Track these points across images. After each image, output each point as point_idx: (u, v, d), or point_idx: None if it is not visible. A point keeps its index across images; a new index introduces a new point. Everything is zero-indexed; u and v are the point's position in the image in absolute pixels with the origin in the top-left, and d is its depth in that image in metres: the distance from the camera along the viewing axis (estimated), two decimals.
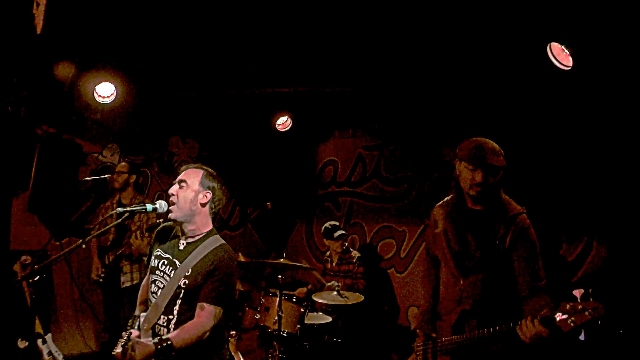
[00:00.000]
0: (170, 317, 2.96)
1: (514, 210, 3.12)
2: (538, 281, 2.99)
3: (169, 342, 2.73)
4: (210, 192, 3.12)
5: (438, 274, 3.46)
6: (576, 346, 3.98)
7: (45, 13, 4.13)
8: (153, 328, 3.00)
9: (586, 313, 2.48)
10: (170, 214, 3.06)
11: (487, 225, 3.12)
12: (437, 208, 3.44)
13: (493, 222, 3.11)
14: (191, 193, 3.07)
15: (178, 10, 4.78)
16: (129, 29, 5.09)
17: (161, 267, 3.10)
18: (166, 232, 3.27)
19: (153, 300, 3.05)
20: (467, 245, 3.18)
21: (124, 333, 2.80)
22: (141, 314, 3.12)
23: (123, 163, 6.40)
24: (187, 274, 2.96)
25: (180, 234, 3.16)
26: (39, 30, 4.30)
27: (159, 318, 3.00)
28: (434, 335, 3.34)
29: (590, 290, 2.53)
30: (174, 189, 3.09)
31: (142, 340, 2.79)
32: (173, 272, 3.02)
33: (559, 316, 2.56)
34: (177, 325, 2.93)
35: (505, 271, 3.06)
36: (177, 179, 3.13)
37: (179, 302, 2.96)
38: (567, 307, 2.54)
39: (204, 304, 2.89)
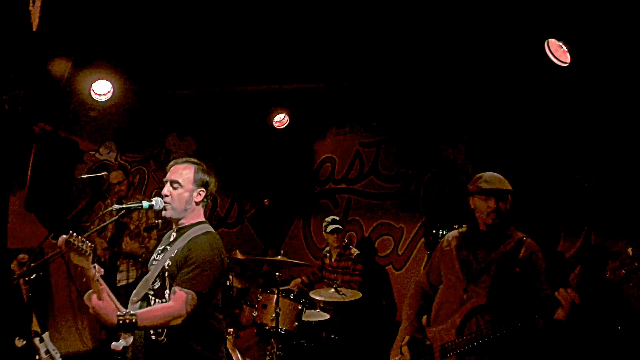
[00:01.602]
0: (164, 300, 2.98)
1: (519, 235, 3.34)
2: (544, 298, 3.09)
3: (133, 319, 2.70)
4: (204, 189, 3.13)
5: (427, 297, 3.61)
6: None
7: (41, 10, 4.11)
8: (142, 300, 3.05)
9: (635, 262, 2.68)
10: (164, 212, 3.10)
11: (496, 242, 3.34)
12: (451, 233, 3.63)
13: (503, 239, 3.33)
14: (185, 193, 3.08)
15: (175, 7, 4.76)
16: (126, 27, 5.07)
17: (156, 257, 3.15)
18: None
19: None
20: (475, 253, 3.37)
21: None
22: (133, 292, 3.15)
23: (115, 173, 6.35)
24: (172, 255, 3.00)
25: (172, 227, 3.22)
26: (35, 27, 4.29)
27: (151, 299, 3.04)
28: (428, 342, 3.39)
29: (629, 248, 2.70)
30: (167, 190, 3.09)
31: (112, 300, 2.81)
32: (163, 255, 3.08)
33: (608, 272, 2.76)
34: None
35: (512, 278, 3.20)
36: (169, 179, 3.12)
37: (167, 284, 2.98)
38: (617, 262, 2.74)
39: (175, 287, 2.86)
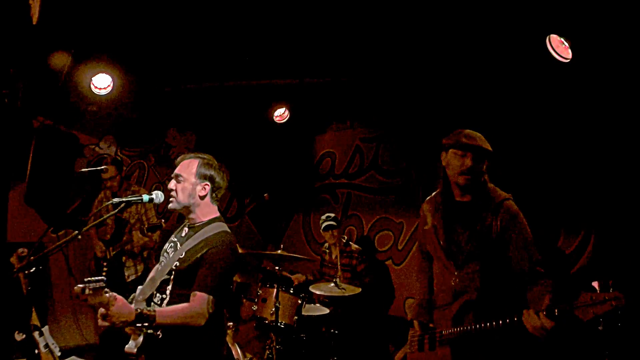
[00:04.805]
0: (164, 296, 3.00)
1: (499, 197, 3.12)
2: (536, 264, 2.98)
3: (152, 314, 2.70)
4: (208, 183, 3.10)
5: (432, 267, 3.48)
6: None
7: (41, 3, 4.10)
8: (147, 301, 3.05)
9: (608, 303, 2.47)
10: (169, 205, 3.10)
11: (475, 217, 3.12)
12: (425, 204, 3.46)
13: (480, 212, 3.11)
14: (189, 186, 3.07)
15: (175, 0, 4.75)
16: (126, 20, 5.06)
17: (168, 249, 3.15)
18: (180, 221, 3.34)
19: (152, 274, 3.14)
20: (457, 240, 3.18)
21: (99, 277, 2.60)
22: (138, 287, 3.15)
23: (105, 167, 6.25)
24: (180, 256, 2.99)
25: (185, 221, 3.22)
26: (35, 21, 4.27)
27: (154, 295, 3.04)
28: (431, 325, 3.35)
29: (610, 282, 2.53)
30: (172, 184, 3.10)
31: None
32: (173, 253, 3.07)
33: (578, 305, 2.54)
34: (169, 306, 2.95)
35: (501, 260, 3.05)
36: (174, 173, 3.12)
37: (171, 282, 2.98)
38: (589, 298, 2.52)
39: (196, 291, 2.86)
